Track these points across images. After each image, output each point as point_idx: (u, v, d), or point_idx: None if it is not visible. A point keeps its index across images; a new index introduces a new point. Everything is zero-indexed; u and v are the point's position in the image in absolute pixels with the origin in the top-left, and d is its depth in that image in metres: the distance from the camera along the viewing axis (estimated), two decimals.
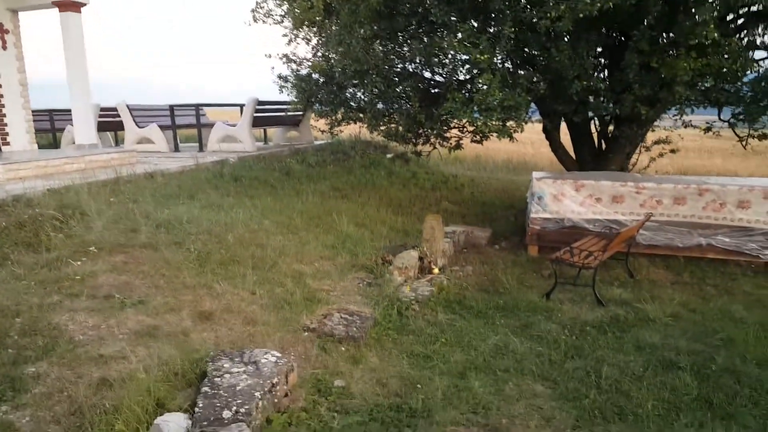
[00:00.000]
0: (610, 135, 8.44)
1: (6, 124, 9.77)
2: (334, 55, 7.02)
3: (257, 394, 2.98)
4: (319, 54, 8.01)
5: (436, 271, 5.96)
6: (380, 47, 6.66)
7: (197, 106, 12.41)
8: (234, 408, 2.85)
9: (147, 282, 4.35)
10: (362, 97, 7.27)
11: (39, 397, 2.95)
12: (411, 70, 6.96)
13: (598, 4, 4.94)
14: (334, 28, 7.20)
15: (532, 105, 7.45)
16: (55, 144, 14.71)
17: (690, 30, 5.31)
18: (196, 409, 2.85)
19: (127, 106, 12.51)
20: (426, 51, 6.02)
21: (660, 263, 6.56)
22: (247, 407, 2.86)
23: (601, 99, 6.46)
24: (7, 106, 9.71)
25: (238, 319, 4.10)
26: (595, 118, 8.37)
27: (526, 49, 6.24)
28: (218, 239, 5.32)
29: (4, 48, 9.59)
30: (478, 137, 7.14)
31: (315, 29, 8.28)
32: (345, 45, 6.51)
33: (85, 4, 9.49)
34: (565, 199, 6.92)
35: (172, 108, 12.34)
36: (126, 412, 2.66)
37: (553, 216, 6.97)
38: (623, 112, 6.37)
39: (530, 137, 14.24)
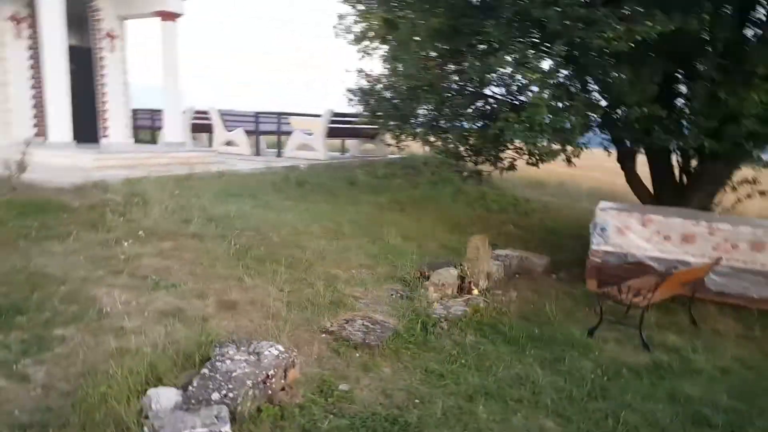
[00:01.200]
0: (692, 170, 7.87)
1: (107, 119, 10.80)
2: (394, 70, 7.12)
3: (249, 382, 3.04)
4: (383, 69, 8.18)
5: (475, 292, 5.79)
6: (437, 65, 6.66)
7: (279, 115, 13.04)
8: (224, 392, 2.93)
9: (185, 268, 4.60)
10: (419, 112, 7.28)
11: (58, 357, 3.21)
12: (468, 88, 6.89)
13: (658, 27, 4.64)
14: (389, 45, 7.32)
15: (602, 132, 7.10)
16: (153, 141, 16.01)
17: (763, 58, 4.85)
18: (190, 388, 2.96)
19: (218, 111, 13.41)
20: (482, 69, 5.94)
21: (730, 313, 5.96)
22: (235, 393, 2.93)
23: (664, 129, 6.02)
24: (110, 103, 10.75)
25: (260, 312, 4.22)
26: (677, 151, 7.82)
27: (584, 71, 5.98)
28: (262, 237, 5.53)
29: (112, 50, 10.65)
30: (533, 160, 6.90)
31: (379, 44, 8.45)
32: (401, 61, 6.58)
33: (180, 15, 10.34)
34: (630, 233, 6.50)
35: (257, 115, 13.07)
36: (120, 380, 2.81)
37: (616, 250, 6.56)
38: (687, 145, 5.90)
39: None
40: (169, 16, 10.22)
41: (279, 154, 12.92)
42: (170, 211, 5.68)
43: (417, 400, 3.55)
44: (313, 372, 3.73)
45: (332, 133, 12.45)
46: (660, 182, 8.26)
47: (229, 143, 13.43)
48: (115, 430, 2.64)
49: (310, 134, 12.52)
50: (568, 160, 6.00)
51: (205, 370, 3.16)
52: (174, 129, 10.63)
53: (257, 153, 13.12)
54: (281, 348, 3.50)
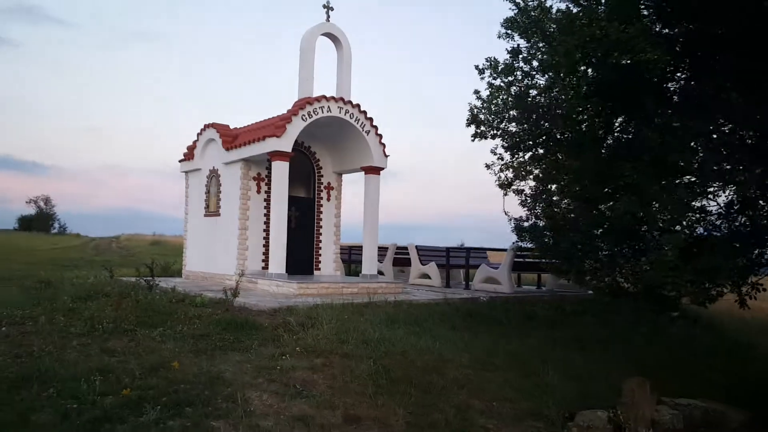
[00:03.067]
0: None
1: (320, 255, 12.74)
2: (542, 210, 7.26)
3: None
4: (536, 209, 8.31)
5: None
6: (578, 205, 6.63)
7: (468, 249, 13.70)
8: None
9: (328, 382, 5.18)
10: (571, 250, 7.10)
11: None
12: (617, 226, 6.59)
13: None
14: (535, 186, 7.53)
15: None
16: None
17: None
18: None
19: (415, 246, 14.68)
20: (621, 210, 5.73)
21: None
22: None
23: None
24: (323, 241, 12.74)
25: (381, 430, 4.49)
26: None
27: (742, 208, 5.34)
28: (405, 360, 5.88)
29: (328, 199, 12.85)
30: (701, 299, 6.08)
31: (527, 186, 8.68)
32: (544, 202, 6.72)
33: (383, 168, 12.11)
34: None
35: (447, 250, 13.95)
36: None
37: None
38: None
39: None
40: (373, 170, 12.09)
41: (466, 287, 13.37)
42: (334, 333, 6.46)
43: None
44: None
45: (518, 266, 12.55)
46: None
47: (423, 275, 14.40)
48: None
49: (496, 268, 12.80)
50: (741, 302, 5.23)
51: None
52: (369, 262, 12.01)
53: (447, 285, 13.77)
54: None
